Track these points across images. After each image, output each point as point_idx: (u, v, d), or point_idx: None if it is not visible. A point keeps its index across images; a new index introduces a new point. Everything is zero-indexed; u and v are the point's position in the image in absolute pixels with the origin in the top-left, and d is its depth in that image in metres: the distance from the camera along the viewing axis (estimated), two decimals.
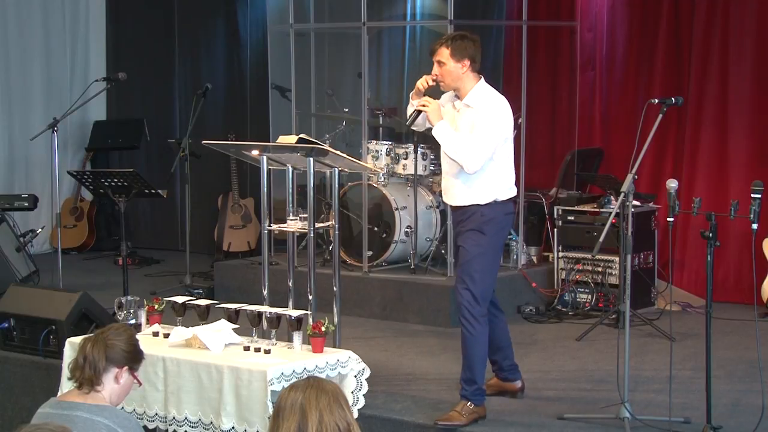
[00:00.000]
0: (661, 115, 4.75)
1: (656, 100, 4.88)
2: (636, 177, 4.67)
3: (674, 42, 7.56)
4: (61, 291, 6.17)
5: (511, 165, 4.93)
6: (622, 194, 4.64)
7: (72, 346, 4.62)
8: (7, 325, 5.94)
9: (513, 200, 4.94)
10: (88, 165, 9.67)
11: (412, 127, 5.16)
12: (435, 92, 5.04)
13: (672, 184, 4.60)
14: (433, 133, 4.86)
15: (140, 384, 3.70)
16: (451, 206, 5.08)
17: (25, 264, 7.24)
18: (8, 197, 8.08)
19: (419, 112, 4.93)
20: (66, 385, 4.22)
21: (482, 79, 4.91)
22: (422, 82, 4.93)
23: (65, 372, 4.27)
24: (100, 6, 10.02)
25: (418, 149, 7.25)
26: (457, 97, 4.91)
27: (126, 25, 10.03)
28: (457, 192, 4.90)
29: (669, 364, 4.72)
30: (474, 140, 4.74)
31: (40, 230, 7.82)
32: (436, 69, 4.88)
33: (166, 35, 9.79)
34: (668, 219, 4.58)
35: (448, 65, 4.83)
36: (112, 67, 9.76)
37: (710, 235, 4.40)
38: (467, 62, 4.84)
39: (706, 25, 7.33)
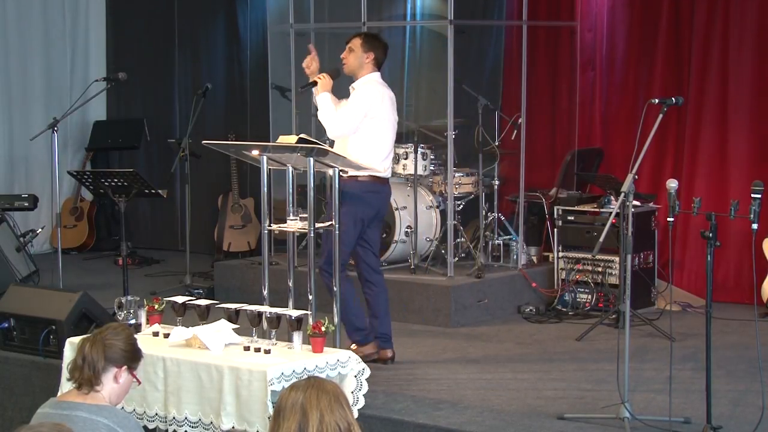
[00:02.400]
0: (661, 115, 4.75)
1: (656, 100, 4.88)
2: (636, 177, 4.67)
3: (674, 42, 7.56)
4: (61, 291, 6.17)
5: (381, 148, 5.61)
6: (623, 194, 4.64)
7: (72, 346, 4.62)
8: (7, 325, 5.94)
9: (380, 180, 5.63)
10: (88, 165, 9.67)
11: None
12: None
13: (672, 184, 4.60)
14: (316, 98, 5.65)
15: (139, 383, 3.70)
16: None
17: (25, 264, 7.24)
18: (8, 197, 8.08)
19: (315, 82, 5.66)
20: (66, 386, 4.22)
21: (378, 74, 5.76)
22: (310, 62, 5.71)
23: (65, 372, 4.26)
24: (100, 6, 10.02)
25: (418, 149, 7.25)
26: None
27: (126, 25, 10.03)
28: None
29: (669, 364, 4.72)
30: (341, 113, 5.59)
31: (40, 230, 7.81)
32: (345, 53, 5.73)
33: (166, 35, 9.79)
34: (668, 219, 4.58)
35: (357, 52, 5.72)
36: (112, 67, 9.76)
37: (710, 235, 4.40)
38: (372, 55, 5.72)
39: (707, 25, 7.33)
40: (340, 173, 5.33)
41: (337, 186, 5.24)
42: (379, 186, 5.70)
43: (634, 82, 7.77)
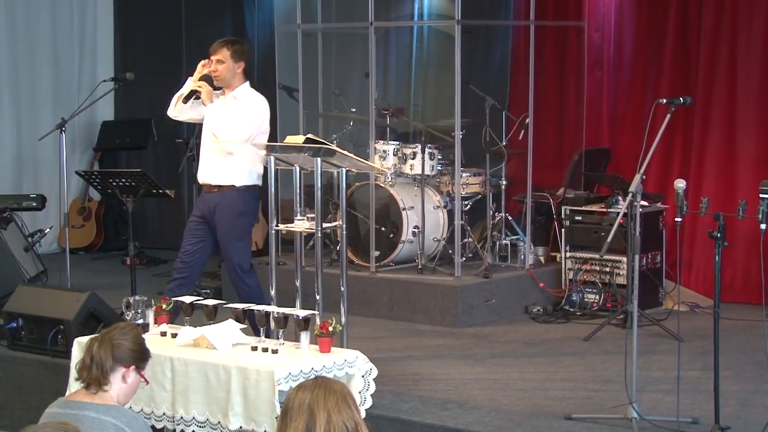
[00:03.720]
0: (669, 115, 4.74)
1: (664, 100, 4.87)
2: (644, 177, 4.66)
3: (682, 42, 7.55)
4: (69, 291, 6.18)
5: (261, 159, 5.78)
6: (630, 194, 4.63)
7: (80, 345, 4.62)
8: (15, 324, 5.95)
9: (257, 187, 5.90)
10: (96, 165, 9.68)
11: (174, 116, 5.98)
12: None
13: (680, 184, 4.59)
14: (205, 111, 5.77)
15: (147, 383, 3.71)
16: (206, 185, 5.87)
17: (33, 264, 7.25)
18: (17, 197, 8.10)
19: (195, 91, 5.80)
20: (74, 385, 4.22)
21: (248, 83, 5.89)
22: (207, 66, 5.84)
23: (73, 372, 4.27)
24: (107, 6, 10.04)
25: (426, 149, 7.25)
26: (223, 92, 5.86)
27: (134, 25, 10.04)
28: (216, 171, 5.76)
29: (677, 365, 4.71)
30: (239, 119, 5.70)
31: (48, 230, 7.82)
32: (214, 65, 5.79)
33: (173, 35, 9.79)
34: (676, 219, 4.57)
35: (227, 63, 5.80)
36: (120, 67, 9.78)
37: (718, 235, 4.39)
38: (242, 65, 5.84)
39: (714, 24, 7.32)
40: (220, 184, 5.68)
41: (344, 186, 5.24)
42: (258, 193, 5.96)
43: (642, 81, 7.76)
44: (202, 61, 5.93)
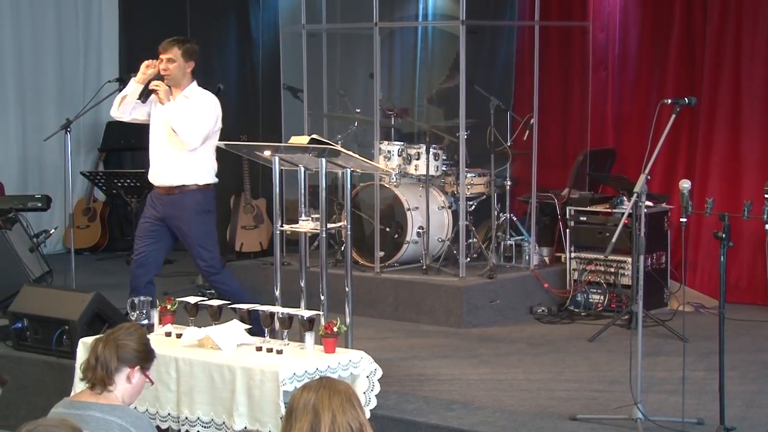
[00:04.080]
0: (674, 115, 4.74)
1: (669, 101, 4.87)
2: (649, 177, 4.66)
3: (687, 42, 7.54)
4: (74, 291, 6.18)
5: (214, 158, 5.97)
6: (635, 195, 4.63)
7: (85, 346, 4.63)
8: (20, 325, 5.96)
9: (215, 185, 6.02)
10: (101, 166, 9.70)
11: (118, 117, 6.03)
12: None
13: (685, 184, 4.58)
14: (163, 110, 5.78)
15: (152, 383, 3.71)
16: (163, 186, 5.91)
17: (39, 264, 7.26)
18: (22, 198, 8.10)
19: (153, 90, 5.79)
20: (79, 386, 4.22)
21: (195, 81, 5.94)
22: (152, 66, 5.86)
23: (78, 372, 4.28)
24: (112, 7, 10.05)
25: (430, 150, 7.24)
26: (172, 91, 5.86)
27: (139, 26, 10.05)
28: (175, 171, 5.83)
29: (682, 365, 4.71)
30: (196, 122, 5.77)
31: (53, 231, 7.83)
32: (165, 63, 5.81)
33: (178, 36, 9.79)
34: (681, 219, 4.57)
35: (179, 62, 5.82)
36: (125, 68, 9.77)
37: (723, 235, 4.39)
38: (192, 64, 5.88)
39: (720, 24, 7.31)
40: (182, 183, 5.78)
41: (348, 187, 5.24)
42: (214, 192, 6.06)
43: (647, 82, 7.75)
44: (146, 62, 5.92)
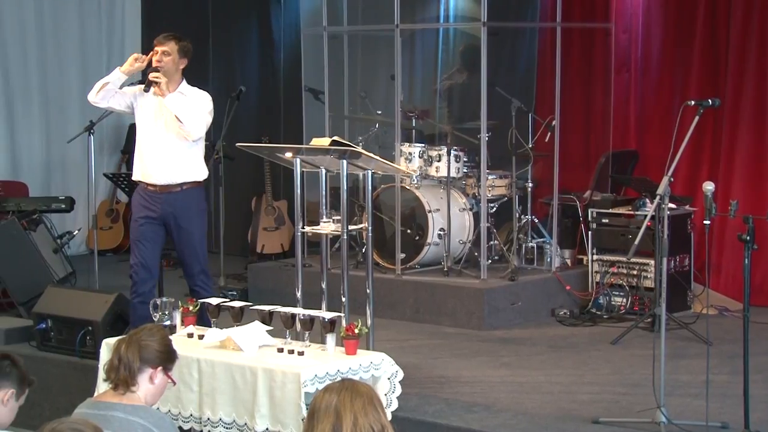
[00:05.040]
0: (697, 117, 4.71)
1: (692, 102, 4.84)
2: (672, 179, 4.63)
3: (710, 43, 7.49)
4: (97, 292, 6.22)
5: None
6: (658, 197, 4.60)
7: (108, 346, 4.65)
8: (44, 325, 6.00)
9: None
10: (124, 167, 9.74)
11: (95, 102, 5.85)
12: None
13: (708, 186, 4.56)
14: (166, 101, 5.67)
15: (174, 384, 3.72)
16: (158, 190, 5.77)
17: (62, 265, 7.30)
18: (45, 199, 8.16)
19: (153, 82, 5.68)
20: (102, 386, 4.25)
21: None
22: (140, 60, 5.79)
23: (101, 373, 4.30)
24: (135, 10, 10.11)
25: (452, 151, 7.24)
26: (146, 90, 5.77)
27: (161, 28, 10.01)
28: (173, 168, 5.73)
29: (706, 369, 4.67)
30: (198, 113, 5.70)
31: (76, 232, 7.88)
32: (160, 55, 5.72)
33: (200, 39, 9.82)
34: (705, 222, 4.54)
35: (173, 56, 5.75)
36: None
37: (747, 238, 4.36)
38: (185, 62, 5.81)
39: (743, 25, 7.26)
40: (184, 180, 5.72)
41: (370, 189, 5.24)
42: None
43: (670, 83, 7.71)
44: (135, 54, 5.86)
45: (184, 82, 5.83)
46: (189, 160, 5.79)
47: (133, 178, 5.93)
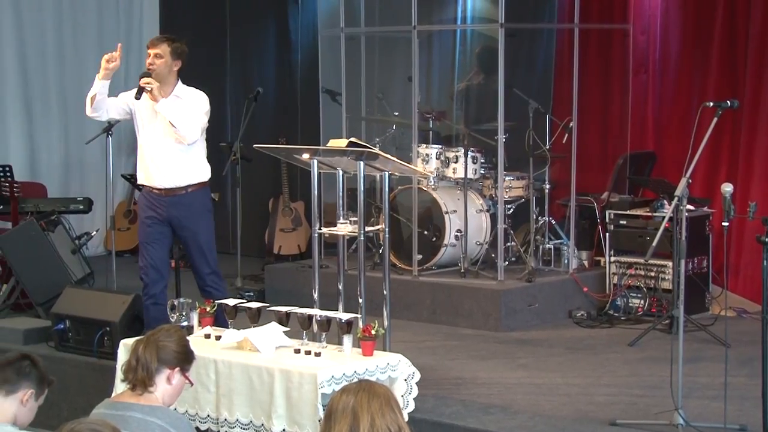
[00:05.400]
0: (716, 118, 4.69)
1: (711, 103, 4.82)
2: (690, 181, 4.61)
3: (729, 44, 7.45)
4: (115, 293, 6.25)
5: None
6: (676, 198, 4.59)
7: (126, 347, 4.67)
8: (62, 326, 6.03)
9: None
10: None
11: (95, 116, 5.86)
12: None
13: (727, 188, 4.54)
14: (158, 107, 5.64)
15: (192, 384, 3.73)
16: (162, 193, 5.76)
17: (80, 266, 7.34)
18: (64, 200, 8.21)
19: (143, 88, 5.63)
20: (119, 386, 4.27)
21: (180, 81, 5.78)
22: (112, 60, 5.69)
23: (119, 373, 4.32)
24: (153, 11, 10.14)
25: (469, 153, 7.23)
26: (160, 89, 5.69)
27: (179, 30, 10.06)
28: (175, 172, 5.72)
29: (724, 371, 4.65)
30: (193, 117, 5.66)
31: (94, 233, 7.91)
32: (152, 58, 5.67)
33: (217, 40, 9.87)
34: (723, 223, 4.52)
35: (166, 59, 5.68)
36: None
37: (766, 239, 4.33)
38: (179, 64, 5.73)
39: (762, 26, 7.22)
40: (189, 183, 5.72)
41: (386, 190, 5.24)
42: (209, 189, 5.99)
43: (688, 84, 7.67)
44: (106, 56, 5.72)
45: (180, 83, 5.78)
46: (191, 162, 5.79)
47: (138, 182, 5.97)
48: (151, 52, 5.70)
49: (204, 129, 5.82)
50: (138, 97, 5.70)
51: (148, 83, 5.62)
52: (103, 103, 5.77)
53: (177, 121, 5.62)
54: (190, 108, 5.69)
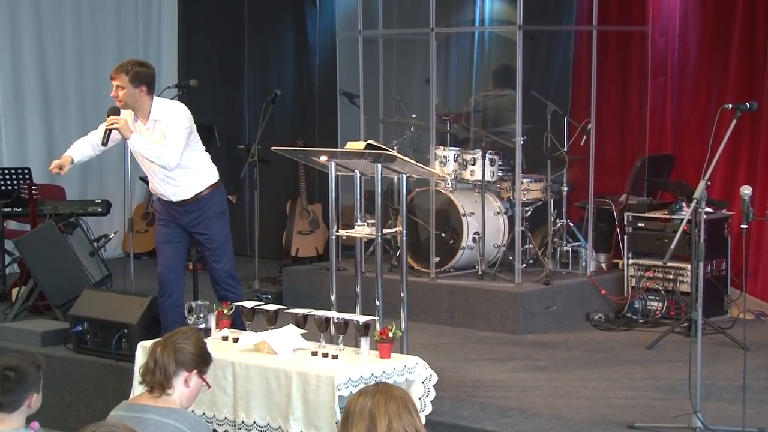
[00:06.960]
0: (735, 121, 4.66)
1: (730, 105, 4.80)
2: (709, 183, 4.59)
3: (748, 46, 7.41)
4: (132, 295, 6.27)
5: (206, 154, 5.92)
6: (695, 201, 4.57)
7: (143, 349, 4.69)
8: (80, 328, 6.05)
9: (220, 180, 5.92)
10: None
11: (103, 150, 5.87)
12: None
13: (746, 190, 4.52)
14: (130, 144, 5.62)
15: (209, 387, 3.74)
16: (173, 202, 5.78)
17: (99, 268, 7.37)
18: (82, 203, 8.24)
19: (110, 130, 5.57)
20: (137, 389, 4.28)
21: (158, 98, 5.70)
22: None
23: (136, 375, 4.34)
24: (172, 14, 10.18)
25: (486, 155, 7.22)
26: (137, 116, 5.66)
27: (197, 33, 10.17)
28: (178, 188, 5.72)
29: (742, 374, 4.63)
30: (168, 142, 5.57)
31: (113, 235, 7.94)
32: (114, 91, 5.58)
33: (236, 42, 9.90)
34: (742, 226, 4.50)
35: (128, 90, 5.56)
36: (184, 74, 9.90)
37: None
38: (144, 88, 5.58)
39: None
40: (192, 195, 5.70)
41: (404, 192, 5.24)
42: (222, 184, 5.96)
43: (707, 86, 7.64)
44: (55, 165, 5.77)
45: (155, 104, 5.65)
46: (191, 174, 5.78)
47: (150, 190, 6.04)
48: (114, 84, 5.61)
49: (187, 144, 5.67)
50: (105, 142, 5.68)
51: (111, 124, 5.56)
52: (90, 154, 5.95)
53: (152, 154, 5.58)
54: (167, 131, 5.60)
